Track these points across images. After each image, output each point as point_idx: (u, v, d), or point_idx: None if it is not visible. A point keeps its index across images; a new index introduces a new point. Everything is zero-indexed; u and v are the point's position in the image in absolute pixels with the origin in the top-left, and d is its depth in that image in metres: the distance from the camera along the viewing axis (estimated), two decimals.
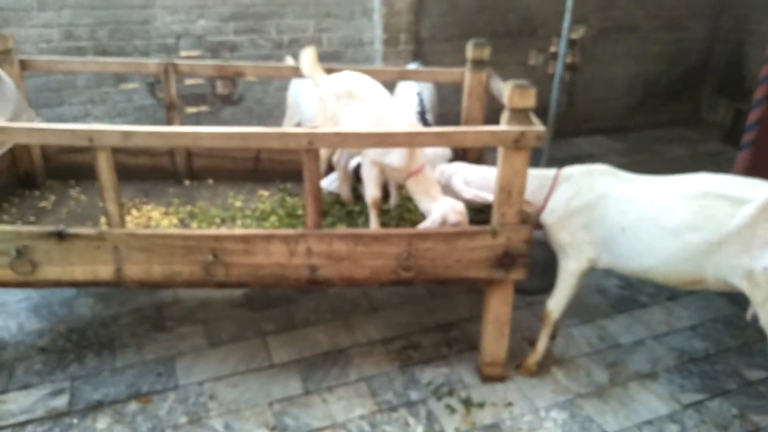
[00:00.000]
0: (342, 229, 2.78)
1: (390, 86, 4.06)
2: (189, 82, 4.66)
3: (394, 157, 2.60)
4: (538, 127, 2.28)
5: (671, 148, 6.09)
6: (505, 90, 2.27)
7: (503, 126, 2.30)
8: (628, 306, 3.52)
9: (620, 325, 3.35)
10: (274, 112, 4.91)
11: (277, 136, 2.23)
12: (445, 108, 5.00)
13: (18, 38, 4.07)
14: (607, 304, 3.53)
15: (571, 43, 5.90)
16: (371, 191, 2.69)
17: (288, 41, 4.80)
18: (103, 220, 2.86)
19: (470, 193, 2.77)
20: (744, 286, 2.34)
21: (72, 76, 4.35)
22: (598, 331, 3.29)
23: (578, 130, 6.25)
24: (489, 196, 2.62)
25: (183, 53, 4.55)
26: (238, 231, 2.47)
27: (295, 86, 3.92)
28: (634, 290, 3.64)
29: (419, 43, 5.14)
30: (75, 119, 4.46)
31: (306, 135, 2.23)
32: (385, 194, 3.00)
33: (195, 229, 2.55)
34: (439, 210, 2.59)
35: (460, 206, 2.60)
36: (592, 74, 6.15)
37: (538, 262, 3.27)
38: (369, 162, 2.68)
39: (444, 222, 2.57)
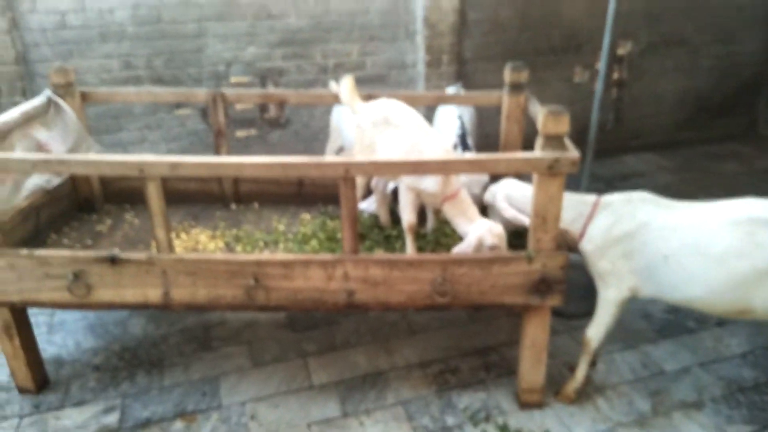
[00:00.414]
0: (378, 254, 2.84)
1: (432, 108, 4.13)
2: (239, 106, 4.83)
3: (429, 182, 2.65)
4: (573, 153, 2.28)
5: (724, 165, 5.90)
6: (538, 116, 2.29)
7: (537, 152, 2.31)
8: (673, 331, 3.43)
9: (665, 351, 3.27)
10: (320, 135, 5.04)
11: (314, 166, 2.31)
12: (488, 128, 5.01)
13: (80, 69, 4.34)
14: (652, 330, 3.45)
15: (618, 59, 5.82)
16: (407, 216, 2.74)
17: (333, 65, 4.93)
18: (154, 243, 3.02)
19: (510, 213, 2.78)
20: None
21: (129, 104, 4.59)
22: (642, 357, 3.22)
23: (626, 147, 6.14)
24: (526, 219, 2.63)
25: (233, 79, 4.73)
26: (278, 256, 2.56)
27: (338, 112, 4.03)
28: (680, 315, 3.54)
29: (462, 63, 5.18)
30: (132, 144, 4.70)
31: (342, 164, 2.31)
32: (422, 218, 3.05)
33: (237, 254, 2.65)
34: (476, 233, 2.61)
35: (498, 229, 2.61)
36: (641, 90, 6.04)
37: (578, 285, 3.24)
38: (404, 187, 2.73)
39: (481, 245, 2.59)
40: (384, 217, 3.11)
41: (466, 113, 3.80)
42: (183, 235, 3.18)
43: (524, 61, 3.20)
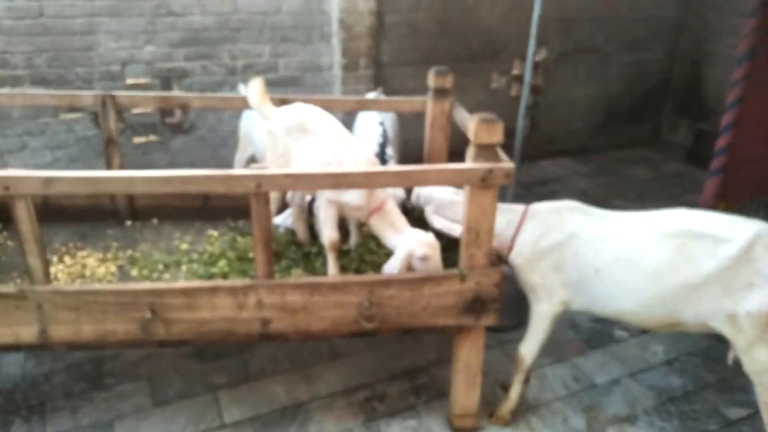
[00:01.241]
0: (295, 277, 2.55)
1: (351, 114, 3.90)
2: (136, 110, 4.38)
3: (353, 195, 2.41)
4: (507, 163, 2.11)
5: (635, 170, 6.06)
6: (470, 124, 2.10)
7: (469, 163, 2.12)
8: (601, 341, 3.37)
9: (595, 362, 3.19)
10: (228, 141, 4.66)
11: (220, 180, 2.00)
12: (408, 133, 4.84)
13: None
14: (580, 340, 3.37)
15: (534, 65, 5.83)
16: (328, 233, 2.48)
17: (242, 67, 4.58)
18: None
19: (439, 224, 2.59)
20: (726, 330, 2.19)
21: (7, 108, 4.03)
22: (573, 370, 3.13)
23: (542, 152, 6.16)
24: (458, 230, 2.44)
25: (130, 80, 4.28)
26: (178, 284, 2.22)
27: (248, 117, 3.71)
28: (606, 324, 3.48)
29: (380, 67, 4.98)
30: (11, 153, 4.14)
31: (253, 177, 2.01)
32: (344, 232, 2.80)
33: (129, 284, 2.29)
34: (405, 245, 2.39)
35: (428, 237, 2.39)
36: (555, 96, 6.09)
37: (507, 297, 3.08)
38: (325, 201, 2.47)
39: (411, 257, 2.37)
40: (302, 233, 2.83)
41: (388, 120, 3.60)
42: (67, 259, 2.75)
43: (443, 66, 3.02)
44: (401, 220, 2.48)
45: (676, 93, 6.66)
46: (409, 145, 4.96)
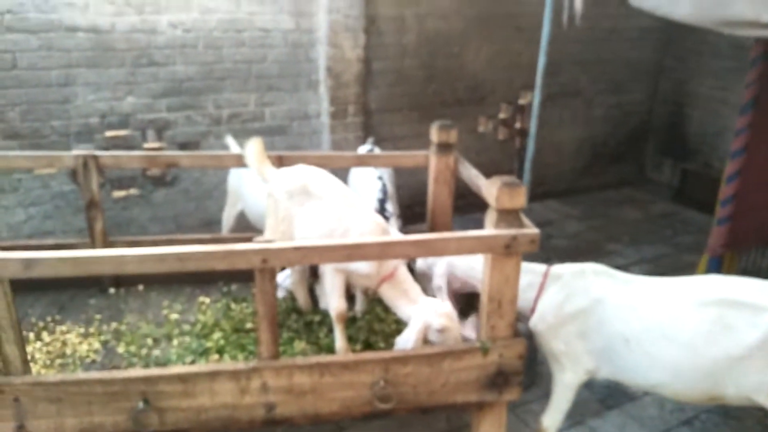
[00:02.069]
0: (299, 351, 2.36)
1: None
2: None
3: (362, 263, 2.23)
4: (532, 229, 1.97)
5: (624, 210, 6.02)
6: (491, 189, 1.96)
7: (491, 230, 1.98)
8: (617, 400, 3.20)
9: (612, 425, 3.03)
10: (214, 193, 4.47)
11: (222, 256, 1.82)
12: (399, 180, 4.71)
13: None
14: (596, 400, 3.21)
15: (520, 109, 5.82)
16: (336, 303, 2.29)
17: (228, 116, 4.42)
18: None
19: (443, 297, 2.46)
20: None
21: None
22: None
23: (533, 194, 6.07)
24: (475, 285, 2.31)
25: (109, 133, 4.08)
26: (173, 369, 2.00)
27: (236, 173, 3.53)
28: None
29: (368, 114, 4.88)
30: None
31: (259, 252, 1.83)
32: (349, 299, 2.62)
33: (118, 372, 2.06)
34: (420, 317, 2.22)
35: (446, 308, 2.23)
36: (542, 139, 6.00)
37: None
38: (332, 269, 2.29)
39: (428, 329, 2.20)
40: (303, 300, 2.64)
41: (386, 173, 3.45)
42: (45, 336, 2.50)
43: (430, 112, 2.91)
44: (415, 289, 2.31)
45: (659, 133, 6.71)
46: (401, 192, 4.83)
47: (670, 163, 6.59)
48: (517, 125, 5.89)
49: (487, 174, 2.04)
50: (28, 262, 1.74)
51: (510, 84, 5.69)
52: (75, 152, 2.66)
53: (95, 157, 2.66)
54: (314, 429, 2.90)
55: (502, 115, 5.82)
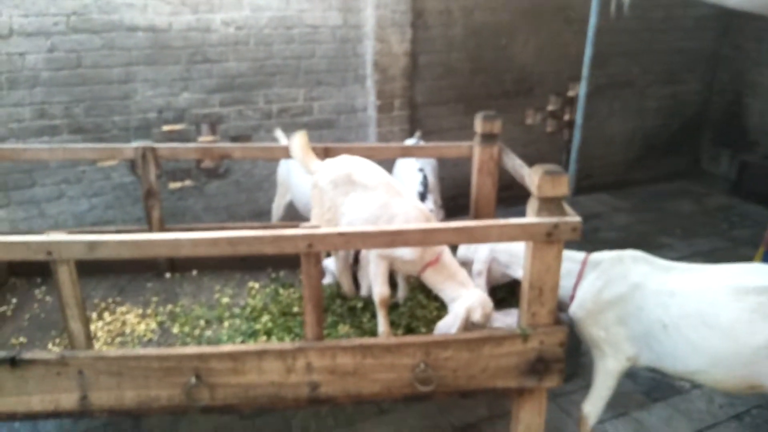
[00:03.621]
0: (343, 334, 2.43)
1: (389, 160, 3.81)
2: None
3: (406, 249, 2.29)
4: (574, 217, 1.98)
5: (678, 203, 5.85)
6: (533, 177, 1.98)
7: (533, 218, 2.00)
8: (663, 393, 3.16)
9: (658, 417, 2.99)
10: (264, 185, 4.61)
11: (270, 241, 1.90)
12: (443, 171, 4.74)
13: None
14: (641, 392, 3.17)
15: (569, 101, 5.74)
16: (379, 288, 2.36)
17: (277, 111, 4.54)
18: None
19: (480, 282, 2.50)
20: None
21: None
22: (636, 426, 2.93)
23: (579, 187, 6.00)
24: (517, 273, 2.34)
25: (165, 127, 4.27)
26: (224, 348, 2.11)
27: (285, 164, 3.64)
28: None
29: (414, 108, 4.92)
30: (48, 201, 4.12)
31: (305, 237, 1.91)
32: (391, 285, 2.68)
33: (174, 348, 2.19)
34: (464, 304, 2.27)
35: (490, 305, 2.30)
36: (591, 131, 5.95)
37: None
38: (375, 255, 2.35)
39: (468, 318, 2.25)
40: (347, 286, 2.71)
41: (428, 166, 3.49)
42: (106, 316, 2.67)
43: (477, 104, 2.93)
44: (461, 273, 2.35)
45: (716, 124, 6.49)
46: (444, 183, 4.86)
47: (728, 154, 6.36)
48: (566, 117, 5.82)
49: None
50: (93, 245, 1.87)
51: (558, 76, 5.62)
52: (134, 144, 2.80)
53: (153, 149, 2.80)
54: (356, 411, 2.99)
55: (550, 107, 5.76)
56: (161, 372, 2.06)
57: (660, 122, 6.34)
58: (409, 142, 3.81)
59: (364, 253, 2.60)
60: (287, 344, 2.12)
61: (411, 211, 2.29)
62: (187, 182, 4.49)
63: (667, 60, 6.08)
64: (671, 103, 6.33)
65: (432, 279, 2.35)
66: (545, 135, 5.76)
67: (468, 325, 2.28)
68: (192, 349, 2.08)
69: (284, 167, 3.69)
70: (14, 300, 2.80)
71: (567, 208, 2.03)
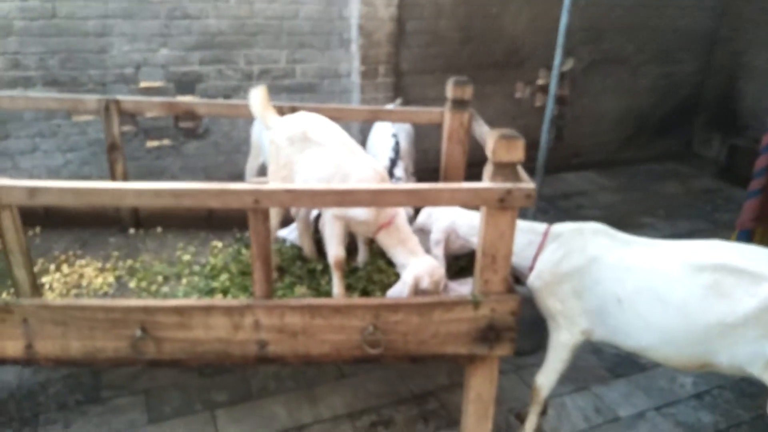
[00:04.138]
0: (299, 295, 2.41)
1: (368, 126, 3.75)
2: (150, 114, 4.29)
3: (360, 209, 2.26)
4: (528, 184, 1.94)
5: (664, 184, 5.81)
6: (488, 140, 1.93)
7: (486, 183, 1.96)
8: (626, 369, 3.16)
9: (619, 393, 2.99)
10: (242, 147, 4.55)
11: (215, 194, 1.87)
12: (426, 143, 4.69)
13: None
14: (604, 368, 3.17)
15: (561, 75, 5.63)
16: (334, 250, 2.33)
17: (258, 72, 4.47)
18: (44, 279, 2.49)
19: (437, 253, 2.48)
20: (765, 377, 1.98)
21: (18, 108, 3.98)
22: (594, 400, 2.93)
23: (567, 165, 5.97)
24: (476, 245, 2.32)
25: (143, 84, 4.20)
26: (171, 302, 2.08)
27: (258, 125, 3.58)
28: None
29: (399, 75, 4.84)
30: (22, 154, 4.07)
31: (251, 193, 1.88)
32: (353, 249, 2.65)
33: (119, 300, 2.17)
34: (413, 272, 2.26)
35: (439, 272, 2.28)
36: (582, 108, 5.89)
37: (525, 319, 2.90)
38: (331, 216, 2.33)
39: (417, 286, 2.24)
40: (308, 248, 2.69)
41: (403, 132, 3.43)
42: (65, 268, 2.65)
43: (465, 75, 2.86)
44: (412, 239, 2.33)
45: (709, 106, 6.41)
46: (427, 156, 4.81)
47: (719, 138, 6.30)
48: (557, 92, 5.73)
49: (525, 141, 1.99)
50: (33, 191, 1.84)
51: (550, 49, 5.45)
52: (97, 96, 2.75)
53: (117, 101, 2.75)
54: (316, 374, 2.99)
55: (540, 81, 5.67)
56: (107, 323, 2.04)
57: (653, 102, 6.26)
58: (389, 107, 3.74)
59: (323, 218, 2.56)
60: (234, 301, 2.10)
61: (365, 170, 2.26)
62: (165, 141, 4.43)
63: (663, 38, 5.98)
64: (665, 83, 6.24)
65: (385, 242, 2.33)
66: (534, 110, 5.68)
67: (418, 292, 2.27)
68: (137, 302, 2.06)
69: (257, 128, 3.63)
70: None
71: (522, 174, 1.98)
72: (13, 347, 2.07)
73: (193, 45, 4.23)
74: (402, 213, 2.34)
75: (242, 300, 2.11)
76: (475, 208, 2.20)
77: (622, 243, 2.25)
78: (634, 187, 5.75)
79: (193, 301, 2.17)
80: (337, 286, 2.36)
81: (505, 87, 5.43)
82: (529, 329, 3.05)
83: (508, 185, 1.92)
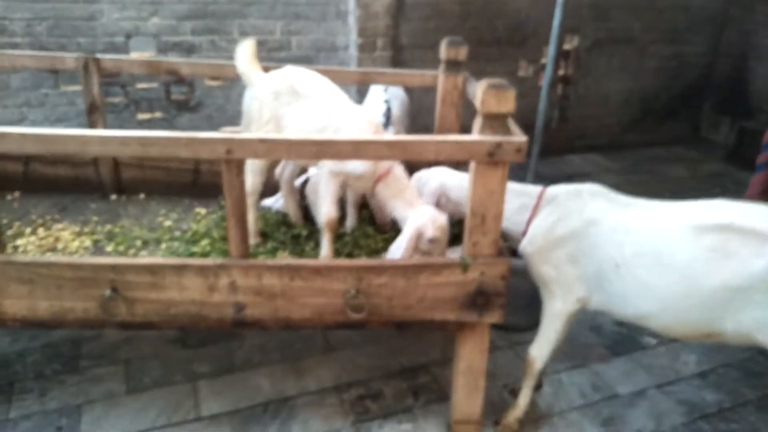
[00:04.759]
0: (272, 258, 2.30)
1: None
2: (141, 85, 4.20)
3: (357, 162, 2.15)
4: (519, 137, 1.82)
5: (670, 168, 5.66)
6: (477, 91, 1.81)
7: (475, 135, 1.84)
8: (626, 347, 3.04)
9: (618, 371, 2.87)
10: (237, 121, 4.40)
11: (185, 143, 1.76)
12: (427, 119, 4.56)
13: None
14: (603, 345, 3.05)
15: (565, 54, 5.50)
16: (328, 209, 2.22)
17: None
18: (19, 242, 2.40)
19: (450, 207, 2.37)
20: None
21: (5, 76, 3.89)
22: (592, 378, 2.81)
23: (571, 146, 5.82)
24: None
25: (134, 54, 4.09)
26: (141, 260, 1.99)
27: (249, 93, 3.46)
28: (633, 328, 3.16)
29: (398, 49, 4.71)
30: (10, 124, 3.98)
31: (223, 142, 1.76)
32: (341, 216, 2.54)
33: (88, 257, 2.06)
34: (415, 222, 2.16)
35: (442, 219, 2.18)
36: (587, 88, 5.74)
37: (520, 293, 2.80)
38: (327, 174, 2.21)
39: (420, 237, 2.13)
40: (293, 212, 2.58)
41: (396, 100, 3.31)
42: (41, 231, 2.55)
43: (457, 37, 2.74)
44: (411, 190, 2.24)
45: (719, 89, 6.23)
46: (428, 131, 4.69)
47: (728, 121, 6.13)
48: (561, 71, 5.59)
49: (525, 121, 1.89)
50: None
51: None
52: (76, 54, 2.64)
53: (96, 60, 2.64)
54: (303, 347, 2.89)
55: (544, 60, 5.52)
56: (75, 282, 1.94)
57: (660, 84, 6.09)
58: (377, 85, 3.61)
59: (317, 174, 2.45)
60: (209, 261, 1.99)
61: (360, 121, 2.14)
62: (157, 114, 4.33)
63: (671, 18, 5.80)
64: (673, 65, 6.07)
65: (383, 194, 2.24)
66: (538, 89, 5.52)
67: (424, 244, 2.17)
68: (107, 259, 1.96)
69: (249, 95, 3.51)
70: None
71: (513, 127, 1.86)
72: None
73: (185, 14, 4.12)
74: (399, 165, 2.25)
75: (217, 259, 2.01)
76: (465, 167, 2.07)
77: (621, 205, 2.13)
78: (640, 170, 5.60)
79: (164, 259, 2.07)
80: (325, 248, 2.25)
81: (507, 65, 5.29)
82: (524, 304, 2.95)
83: (498, 138, 1.80)
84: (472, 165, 1.88)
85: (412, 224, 2.17)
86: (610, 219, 2.08)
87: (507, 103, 1.80)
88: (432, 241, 2.18)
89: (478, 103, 1.83)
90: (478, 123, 1.86)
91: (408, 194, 2.25)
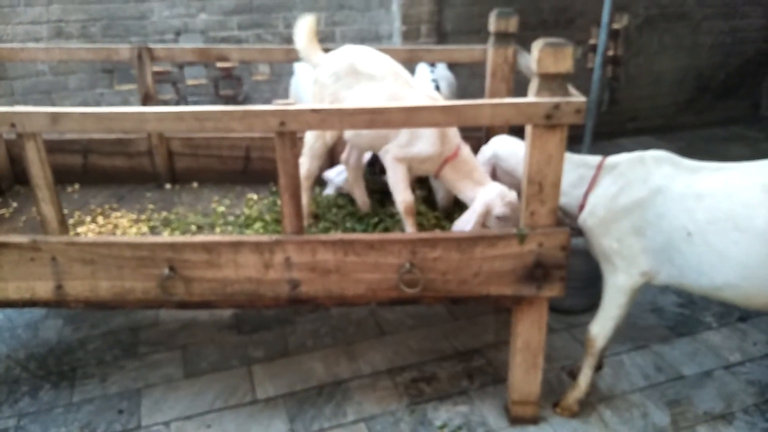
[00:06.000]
0: (327, 234, 2.29)
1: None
2: (190, 82, 4.29)
3: (423, 144, 2.13)
4: (578, 97, 1.75)
5: (730, 148, 5.41)
6: (533, 50, 1.76)
7: (531, 97, 1.78)
8: (690, 328, 2.91)
9: (682, 352, 2.75)
10: None
11: (239, 116, 1.76)
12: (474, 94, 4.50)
13: (3, 36, 3.77)
14: (665, 326, 2.93)
15: (614, 34, 5.34)
16: (401, 195, 2.20)
17: None
18: (80, 230, 2.48)
19: (505, 179, 2.33)
20: None
21: (63, 77, 4.03)
22: (655, 359, 2.70)
23: (622, 129, 5.65)
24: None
25: None
26: (198, 238, 2.00)
27: (296, 78, 3.49)
28: (697, 309, 3.03)
29: (442, 36, 4.66)
30: None
31: (277, 113, 1.76)
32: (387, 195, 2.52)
33: (146, 237, 2.10)
34: (483, 198, 2.13)
35: (512, 195, 2.13)
36: (638, 68, 5.55)
37: (577, 274, 2.72)
38: (392, 160, 2.19)
39: (489, 214, 2.11)
40: (360, 198, 2.53)
41: (444, 81, 3.26)
42: (100, 220, 2.62)
43: (506, 8, 2.68)
44: (480, 170, 2.20)
45: None
46: None
47: None
48: (610, 52, 5.42)
49: None
50: (56, 116, 1.78)
51: (601, 5, 5.20)
52: (129, 45, 2.70)
53: (149, 49, 2.69)
54: (356, 332, 2.88)
55: (592, 41, 5.37)
56: (135, 262, 1.97)
57: (716, 61, 5.84)
58: (424, 66, 3.56)
59: (382, 162, 2.40)
60: (264, 237, 2.00)
61: (422, 101, 2.11)
62: None
63: None
64: (729, 40, 5.80)
65: (450, 177, 2.20)
66: (586, 71, 5.37)
67: (492, 222, 2.14)
68: (164, 238, 2.00)
69: (295, 79, 3.54)
70: (15, 204, 2.79)
71: (571, 88, 1.80)
72: (44, 288, 2.03)
73: (231, 9, 4.18)
74: (466, 145, 2.21)
75: (271, 236, 2.01)
76: (521, 133, 2.01)
77: (689, 170, 2.02)
78: (696, 151, 5.33)
79: (220, 237, 2.09)
80: (410, 231, 2.23)
81: None
82: (580, 286, 2.86)
83: (556, 99, 1.74)
84: (529, 129, 1.82)
85: (480, 200, 2.13)
86: (678, 185, 1.98)
87: (565, 61, 1.74)
88: (500, 218, 2.12)
89: (533, 63, 1.77)
90: (534, 84, 1.81)
91: (476, 174, 2.20)
